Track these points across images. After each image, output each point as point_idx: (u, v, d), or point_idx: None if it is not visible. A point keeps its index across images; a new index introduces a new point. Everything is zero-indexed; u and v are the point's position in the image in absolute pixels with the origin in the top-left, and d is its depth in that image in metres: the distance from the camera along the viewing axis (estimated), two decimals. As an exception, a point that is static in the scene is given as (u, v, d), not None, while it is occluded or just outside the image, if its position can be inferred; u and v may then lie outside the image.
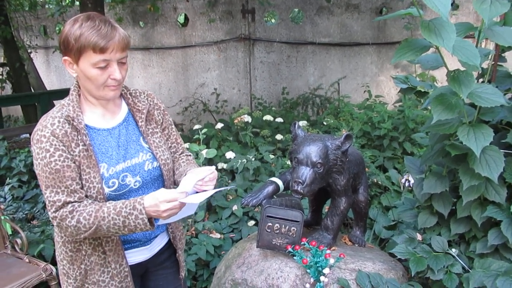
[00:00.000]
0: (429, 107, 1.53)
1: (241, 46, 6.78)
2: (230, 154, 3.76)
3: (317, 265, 1.50)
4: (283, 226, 1.58)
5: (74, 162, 1.39)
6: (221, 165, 3.72)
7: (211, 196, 1.52)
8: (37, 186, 3.97)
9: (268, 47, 6.68)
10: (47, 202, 1.39)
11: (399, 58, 1.42)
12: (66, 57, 1.40)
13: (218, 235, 2.89)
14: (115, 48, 1.37)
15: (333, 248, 1.72)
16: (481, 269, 1.49)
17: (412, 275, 1.63)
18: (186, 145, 3.23)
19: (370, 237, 2.61)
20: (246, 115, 4.42)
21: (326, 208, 2.09)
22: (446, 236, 1.70)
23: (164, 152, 1.61)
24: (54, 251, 1.62)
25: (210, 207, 3.26)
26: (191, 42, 7.06)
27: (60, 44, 1.40)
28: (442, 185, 1.66)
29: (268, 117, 4.67)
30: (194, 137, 3.75)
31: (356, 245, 1.87)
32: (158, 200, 1.35)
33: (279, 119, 4.75)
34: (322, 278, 1.48)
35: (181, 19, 7.45)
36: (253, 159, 3.61)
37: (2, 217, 2.77)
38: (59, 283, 1.68)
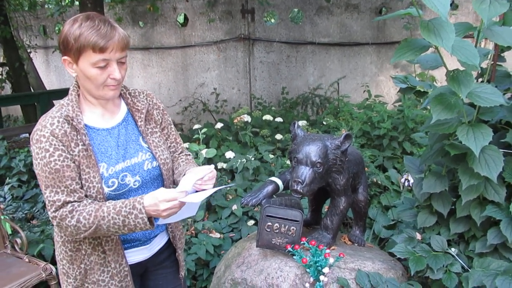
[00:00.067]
0: (428, 107, 1.53)
1: (241, 46, 6.78)
2: (229, 154, 3.77)
3: (317, 264, 1.50)
4: (282, 225, 1.58)
5: (74, 162, 1.39)
6: (220, 164, 3.72)
7: (211, 195, 1.52)
8: (36, 185, 3.97)
9: (268, 47, 6.68)
10: (46, 202, 1.39)
11: (399, 58, 1.42)
12: (65, 57, 1.40)
13: (217, 235, 2.89)
14: (115, 47, 1.37)
15: (332, 247, 1.72)
16: (481, 268, 1.50)
17: (412, 275, 1.63)
18: (186, 144, 3.23)
19: (370, 237, 2.61)
20: (245, 115, 4.42)
21: (325, 208, 2.09)
22: (445, 235, 1.70)
23: (164, 152, 1.61)
24: (54, 250, 1.62)
25: (209, 207, 3.26)
26: (190, 42, 7.07)
27: (60, 44, 1.40)
28: (442, 185, 1.67)
29: (267, 117, 4.67)
30: (194, 137, 3.75)
31: (356, 244, 1.87)
32: (157, 200, 1.35)
33: (279, 119, 4.75)
34: (321, 277, 1.48)
35: (180, 19, 7.45)
36: (252, 158, 3.61)
37: (2, 217, 2.77)
38: (59, 283, 1.68)
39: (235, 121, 4.42)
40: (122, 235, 1.53)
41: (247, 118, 4.39)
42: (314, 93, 6.41)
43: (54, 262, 2.49)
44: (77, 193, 1.39)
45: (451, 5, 5.52)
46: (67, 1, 7.55)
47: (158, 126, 1.65)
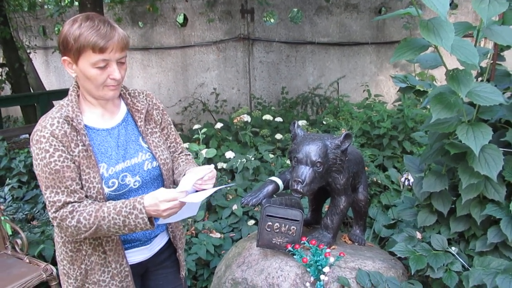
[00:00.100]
0: (428, 106, 1.53)
1: (240, 46, 6.78)
2: (229, 154, 3.77)
3: (317, 264, 1.50)
4: (283, 225, 1.58)
5: (74, 163, 1.40)
6: (220, 164, 3.72)
7: (211, 195, 1.52)
8: (37, 186, 3.97)
9: (267, 47, 6.68)
10: (47, 203, 1.40)
11: (398, 57, 1.42)
12: (65, 57, 1.40)
13: (218, 235, 2.89)
14: (115, 48, 1.37)
15: (333, 247, 1.72)
16: (481, 267, 1.50)
17: (412, 274, 1.63)
18: (186, 145, 3.23)
19: (370, 236, 2.61)
20: (245, 115, 4.42)
21: (326, 207, 2.10)
22: (445, 234, 1.70)
23: (163, 152, 1.61)
24: (54, 251, 1.63)
25: (210, 207, 3.26)
26: (190, 42, 7.07)
27: (59, 44, 1.40)
28: (442, 184, 1.67)
29: (267, 117, 4.67)
30: (194, 137, 3.76)
31: (356, 243, 1.87)
32: (158, 200, 1.36)
33: (279, 119, 4.76)
34: (322, 276, 1.48)
35: (180, 19, 7.45)
36: (252, 158, 3.61)
37: (2, 218, 2.77)
38: (59, 283, 1.68)
39: (235, 121, 4.42)
40: (123, 235, 1.53)
41: (247, 118, 4.39)
42: (313, 92, 6.42)
43: (54, 263, 2.49)
44: (77, 194, 1.39)
45: (450, 4, 5.52)
46: (66, 2, 7.55)
47: (158, 126, 1.65)
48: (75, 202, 1.39)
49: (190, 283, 2.76)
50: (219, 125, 4.53)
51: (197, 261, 2.73)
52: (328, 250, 1.57)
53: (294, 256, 1.54)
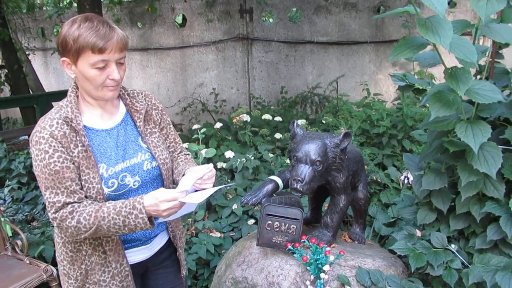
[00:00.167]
0: (427, 104, 1.53)
1: (239, 45, 6.79)
2: (229, 154, 3.77)
3: (317, 262, 1.50)
4: (283, 224, 1.58)
5: (73, 163, 1.40)
6: (220, 164, 3.72)
7: (211, 195, 1.52)
8: (36, 187, 3.97)
9: (266, 46, 6.69)
10: (47, 203, 1.40)
11: (397, 56, 1.43)
12: (64, 58, 1.41)
13: (218, 234, 2.90)
14: (114, 48, 1.37)
15: (333, 245, 1.72)
16: (481, 264, 1.50)
17: (412, 271, 1.63)
18: (185, 145, 3.23)
19: (370, 234, 2.61)
20: (244, 115, 4.42)
21: (325, 206, 2.10)
22: (445, 232, 1.71)
23: (163, 152, 1.61)
24: (55, 252, 1.63)
25: (210, 206, 3.26)
26: (189, 43, 7.07)
27: (58, 45, 1.40)
28: (441, 182, 1.67)
29: (267, 116, 4.67)
30: (193, 137, 3.76)
31: (356, 242, 1.88)
32: (158, 200, 1.36)
33: (278, 118, 4.76)
34: (322, 275, 1.48)
35: (179, 19, 7.45)
36: (252, 158, 3.61)
37: (2, 219, 2.77)
38: (59, 284, 1.68)
39: (234, 120, 4.42)
40: (123, 235, 1.53)
41: (246, 117, 4.39)
42: (313, 92, 6.42)
43: (54, 264, 2.49)
44: (77, 194, 1.39)
45: (449, 3, 5.53)
46: (65, 3, 7.55)
47: (157, 126, 1.65)
48: (75, 202, 1.39)
49: (190, 283, 2.76)
50: (218, 125, 4.53)
51: (197, 260, 2.74)
52: (328, 249, 1.58)
53: (294, 255, 1.55)
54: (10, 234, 2.77)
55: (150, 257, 1.66)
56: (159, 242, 1.69)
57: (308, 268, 1.52)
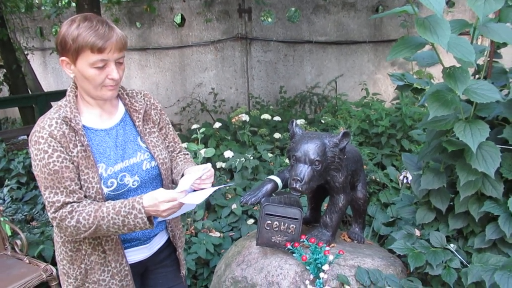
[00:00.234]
0: (426, 104, 1.53)
1: (238, 45, 6.79)
2: (228, 153, 3.77)
3: (317, 261, 1.50)
4: (282, 223, 1.59)
5: (73, 163, 1.40)
6: (219, 164, 3.72)
7: (210, 195, 1.53)
8: (36, 187, 3.98)
9: (265, 46, 6.69)
10: (46, 203, 1.40)
11: (395, 55, 1.43)
12: (63, 58, 1.41)
13: (217, 234, 2.90)
14: (113, 48, 1.38)
15: (332, 245, 1.73)
16: (479, 263, 1.50)
17: (411, 271, 1.64)
18: (185, 144, 3.23)
19: (369, 234, 2.62)
20: (243, 114, 4.43)
21: (325, 206, 2.10)
22: (444, 231, 1.71)
23: (162, 152, 1.61)
24: (54, 251, 1.63)
25: (209, 206, 3.26)
26: (188, 42, 7.07)
27: (57, 44, 1.41)
28: (440, 181, 1.67)
29: (266, 116, 4.68)
30: (192, 137, 3.76)
31: (355, 241, 1.88)
32: (157, 200, 1.36)
33: (277, 118, 4.76)
34: (321, 274, 1.48)
35: (177, 19, 7.45)
36: (251, 157, 3.61)
37: (2, 219, 2.77)
38: (59, 284, 1.68)
39: (233, 120, 4.43)
40: (122, 235, 1.54)
41: (245, 117, 4.39)
42: (312, 91, 6.42)
43: (54, 263, 2.49)
44: (77, 194, 1.40)
45: (447, 3, 5.54)
46: (63, 3, 7.54)
47: (156, 126, 1.65)
48: (74, 202, 1.39)
49: (190, 282, 2.76)
50: (217, 125, 4.53)
51: (197, 260, 2.74)
52: (327, 248, 1.58)
53: (294, 254, 1.55)
54: (9, 233, 2.77)
55: (150, 257, 1.67)
56: (159, 241, 1.69)
57: (308, 267, 1.52)
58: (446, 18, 1.33)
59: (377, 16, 1.56)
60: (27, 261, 2.60)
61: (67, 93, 1.48)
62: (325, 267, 1.49)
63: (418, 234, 1.78)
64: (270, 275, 1.58)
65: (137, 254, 1.62)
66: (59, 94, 5.82)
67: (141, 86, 7.50)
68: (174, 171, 1.69)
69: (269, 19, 7.34)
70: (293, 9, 6.80)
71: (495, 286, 1.37)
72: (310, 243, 1.57)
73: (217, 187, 1.54)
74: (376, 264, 1.63)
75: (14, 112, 8.72)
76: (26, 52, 7.53)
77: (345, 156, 1.64)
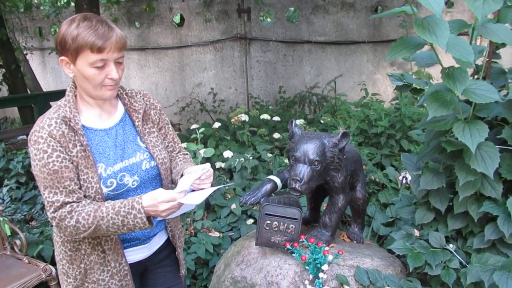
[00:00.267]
0: (425, 104, 1.54)
1: (237, 45, 6.79)
2: (228, 153, 3.77)
3: (316, 262, 1.51)
4: (281, 223, 1.59)
5: (72, 163, 1.40)
6: (219, 164, 3.72)
7: (210, 195, 1.53)
8: (35, 187, 3.97)
9: (264, 46, 6.69)
10: (45, 203, 1.40)
11: (394, 55, 1.43)
12: (63, 57, 1.41)
13: (217, 234, 2.90)
14: (113, 48, 1.38)
15: (331, 245, 1.73)
16: (478, 264, 1.50)
17: (410, 271, 1.64)
18: (184, 144, 3.23)
19: (369, 234, 2.62)
20: (243, 114, 4.43)
21: (324, 206, 2.10)
22: (443, 231, 1.71)
23: (161, 152, 1.61)
24: (53, 251, 1.63)
25: (208, 206, 3.26)
26: (187, 42, 7.06)
27: (57, 44, 1.41)
28: (439, 181, 1.67)
29: (265, 116, 4.68)
30: (192, 137, 3.76)
31: (355, 242, 1.88)
32: (156, 201, 1.36)
33: (276, 118, 4.76)
34: (321, 274, 1.49)
35: (176, 19, 7.45)
36: (250, 157, 3.61)
37: (1, 218, 2.77)
38: (58, 283, 1.68)
39: (233, 120, 4.43)
40: (122, 235, 1.54)
41: (244, 117, 4.40)
42: (311, 91, 6.42)
43: (53, 263, 2.49)
44: (76, 194, 1.40)
45: (446, 3, 5.54)
46: (62, 2, 7.54)
47: (156, 126, 1.66)
48: (73, 202, 1.39)
49: (189, 282, 2.77)
50: (217, 125, 4.54)
51: (196, 260, 2.74)
52: (326, 248, 1.58)
53: (293, 254, 1.55)
54: (9, 233, 2.77)
55: (149, 256, 1.67)
56: (158, 241, 1.69)
57: (307, 267, 1.52)
58: (445, 18, 1.33)
59: (376, 16, 1.56)
60: (27, 261, 2.60)
61: (67, 93, 1.48)
62: (325, 267, 1.49)
63: (417, 234, 1.78)
64: (270, 275, 1.58)
65: (136, 254, 1.62)
66: (58, 94, 5.81)
67: (140, 86, 7.49)
68: (173, 171, 1.69)
69: (268, 19, 7.34)
70: (292, 9, 6.80)
71: (494, 286, 1.37)
72: (309, 243, 1.57)
73: (216, 187, 1.54)
74: (375, 264, 1.63)
75: (13, 112, 8.72)
76: (25, 52, 7.52)
77: (344, 156, 1.64)
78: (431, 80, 4.81)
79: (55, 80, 8.70)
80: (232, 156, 3.70)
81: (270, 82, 6.83)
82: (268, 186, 1.67)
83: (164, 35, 7.19)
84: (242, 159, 3.56)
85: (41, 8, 8.45)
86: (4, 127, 8.67)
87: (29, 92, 7.21)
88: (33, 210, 3.64)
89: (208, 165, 1.54)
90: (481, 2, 1.32)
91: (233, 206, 3.11)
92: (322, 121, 4.72)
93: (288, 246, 1.57)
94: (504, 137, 1.55)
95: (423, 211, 1.79)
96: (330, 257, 1.53)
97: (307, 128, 4.40)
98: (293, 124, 1.67)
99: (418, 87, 1.81)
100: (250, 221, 3.05)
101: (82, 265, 1.51)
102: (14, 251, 2.70)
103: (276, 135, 4.27)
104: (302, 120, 4.74)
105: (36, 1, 8.46)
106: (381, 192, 3.29)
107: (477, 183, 1.55)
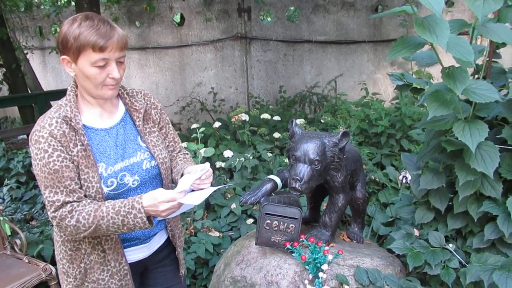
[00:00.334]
0: (425, 104, 1.54)
1: (238, 45, 6.78)
2: (228, 153, 3.77)
3: (316, 261, 1.51)
4: (281, 223, 1.59)
5: (73, 162, 1.40)
6: (219, 163, 3.72)
7: (210, 194, 1.53)
8: (35, 187, 3.98)
9: (265, 45, 6.69)
10: (46, 202, 1.40)
11: (394, 55, 1.43)
12: (64, 56, 1.41)
13: (217, 234, 2.90)
14: (114, 47, 1.38)
15: (331, 244, 1.73)
16: (478, 263, 1.50)
17: (410, 271, 1.64)
18: (184, 144, 3.24)
19: (368, 234, 2.62)
20: (243, 114, 4.43)
21: (324, 205, 2.10)
22: (443, 231, 1.71)
23: (162, 151, 1.62)
24: (54, 251, 1.63)
25: (208, 206, 3.27)
26: (187, 42, 7.06)
27: (59, 43, 1.41)
28: (439, 181, 1.67)
29: (265, 116, 4.68)
30: (192, 136, 3.76)
31: (354, 241, 1.88)
32: (156, 201, 1.36)
33: (277, 117, 4.76)
34: (320, 274, 1.49)
35: (177, 18, 7.45)
36: (251, 157, 3.61)
37: (1, 218, 2.77)
38: (58, 283, 1.68)
39: (233, 120, 4.43)
40: (122, 234, 1.54)
41: (245, 117, 4.40)
42: (311, 91, 6.42)
43: (53, 263, 2.49)
44: (76, 193, 1.40)
45: (446, 2, 5.54)
46: (63, 2, 7.54)
47: (156, 126, 1.66)
48: (74, 201, 1.39)
49: (189, 282, 2.77)
50: (217, 124, 4.54)
51: (196, 260, 2.74)
52: (326, 248, 1.58)
53: (293, 254, 1.55)
54: (9, 233, 2.77)
55: (149, 256, 1.67)
56: (158, 241, 1.70)
57: (307, 267, 1.53)
58: (445, 17, 1.33)
59: (376, 16, 1.56)
60: (27, 261, 2.60)
61: (68, 92, 1.48)
62: (324, 266, 1.49)
63: (417, 234, 1.78)
64: (269, 275, 1.58)
65: (136, 254, 1.62)
66: (59, 93, 5.82)
67: (140, 85, 7.50)
68: (173, 170, 1.69)
69: (269, 19, 7.34)
70: (292, 8, 6.80)
71: (494, 286, 1.37)
72: (309, 243, 1.57)
73: (216, 187, 1.54)
74: (375, 264, 1.63)
75: (13, 112, 8.72)
76: (25, 51, 7.52)
77: (344, 156, 1.64)
78: (431, 80, 4.81)
79: (55, 79, 8.71)
80: (232, 156, 3.70)
81: (270, 82, 6.83)
82: (268, 186, 1.67)
83: (164, 34, 7.19)
84: (242, 158, 3.56)
85: (42, 7, 8.45)
86: (4, 126, 8.68)
87: (29, 91, 7.21)
88: (33, 209, 3.64)
89: (207, 165, 1.54)
90: (481, 2, 1.32)
91: (233, 205, 3.11)
92: (322, 121, 4.72)
93: (288, 246, 1.57)
94: (504, 136, 1.55)
95: (423, 211, 1.79)
96: (330, 257, 1.53)
97: (307, 127, 4.40)
98: (294, 123, 1.67)
99: (418, 87, 1.80)
100: (250, 220, 3.05)
101: (82, 265, 1.51)
102: (14, 251, 2.70)
103: (276, 135, 4.27)
104: (303, 120, 4.74)
105: (36, 0, 8.46)
106: (381, 191, 3.29)
107: (477, 182, 1.55)
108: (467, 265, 1.55)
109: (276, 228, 1.59)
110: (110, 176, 1.46)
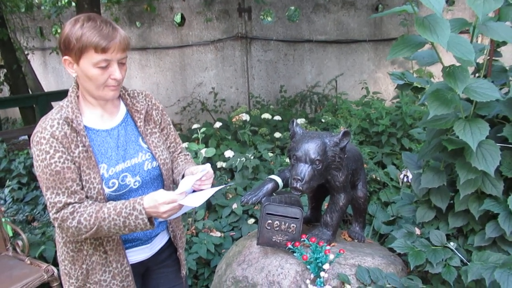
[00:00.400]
0: (426, 103, 1.54)
1: (238, 45, 6.79)
2: (229, 153, 3.77)
3: (317, 261, 1.51)
4: (282, 223, 1.59)
5: (74, 163, 1.40)
6: (220, 164, 3.72)
7: (212, 195, 1.53)
8: (37, 188, 3.98)
9: (265, 45, 6.69)
10: (48, 204, 1.40)
11: (395, 54, 1.43)
12: (66, 57, 1.41)
13: (218, 234, 2.90)
14: (116, 48, 1.38)
15: (332, 244, 1.73)
16: (479, 261, 1.50)
17: (411, 269, 1.64)
18: (185, 144, 3.24)
19: (370, 233, 2.62)
20: (244, 114, 4.43)
21: (325, 205, 2.10)
22: (444, 230, 1.71)
23: (163, 152, 1.62)
24: (55, 252, 1.64)
25: (210, 206, 3.27)
26: (188, 42, 7.07)
27: (61, 44, 1.41)
28: (440, 180, 1.67)
29: (266, 115, 4.68)
30: (193, 137, 3.76)
31: (356, 240, 1.88)
32: (157, 202, 1.37)
33: (277, 117, 4.76)
34: (322, 273, 1.49)
35: (177, 18, 7.45)
36: (252, 157, 3.61)
37: (3, 219, 2.77)
38: (60, 284, 1.69)
39: (234, 120, 4.43)
40: (123, 235, 1.54)
41: (245, 117, 4.40)
42: (312, 91, 6.42)
43: (55, 264, 2.49)
44: (78, 195, 1.40)
45: (447, 1, 5.54)
46: (63, 2, 7.54)
47: (158, 127, 1.66)
48: (75, 203, 1.39)
49: (191, 282, 2.77)
50: (218, 124, 4.54)
51: (198, 260, 2.74)
52: (328, 247, 1.58)
53: (294, 254, 1.55)
54: (11, 234, 2.78)
55: (151, 257, 1.67)
56: (160, 241, 1.70)
57: (308, 267, 1.53)
58: (445, 16, 1.33)
59: (377, 15, 1.56)
60: (29, 262, 2.60)
61: (69, 93, 1.48)
62: (326, 266, 1.50)
63: (418, 233, 1.78)
64: (271, 275, 1.59)
65: (138, 254, 1.62)
66: (60, 94, 5.84)
67: (141, 86, 7.50)
68: (175, 171, 1.69)
69: (269, 18, 7.34)
70: (292, 8, 6.80)
71: (495, 284, 1.37)
72: (310, 242, 1.57)
73: (217, 188, 1.54)
74: (376, 263, 1.63)
75: (14, 112, 8.73)
76: (26, 52, 7.54)
77: (345, 155, 1.64)
78: (432, 79, 4.81)
79: (56, 80, 8.71)
80: (233, 156, 3.70)
81: (271, 82, 6.83)
82: (269, 186, 1.68)
83: (165, 34, 7.20)
84: (243, 158, 3.56)
85: (42, 8, 8.46)
86: (5, 127, 8.69)
87: (30, 92, 7.23)
88: (35, 210, 3.64)
89: (208, 165, 1.54)
90: (481, 1, 1.32)
91: (234, 205, 3.11)
92: (323, 120, 4.72)
93: (290, 246, 1.57)
94: (505, 135, 1.55)
95: (424, 210, 1.79)
96: (331, 256, 1.53)
97: (308, 127, 4.40)
98: (294, 123, 1.67)
99: (419, 86, 1.80)
100: (251, 220, 3.06)
101: (84, 266, 1.51)
102: (16, 252, 2.70)
103: (277, 135, 4.27)
104: (303, 119, 4.74)
105: (37, 1, 8.47)
106: (382, 190, 3.29)
107: (478, 181, 1.55)
108: (468, 263, 1.55)
109: (278, 228, 1.59)
110: (111, 177, 1.46)
